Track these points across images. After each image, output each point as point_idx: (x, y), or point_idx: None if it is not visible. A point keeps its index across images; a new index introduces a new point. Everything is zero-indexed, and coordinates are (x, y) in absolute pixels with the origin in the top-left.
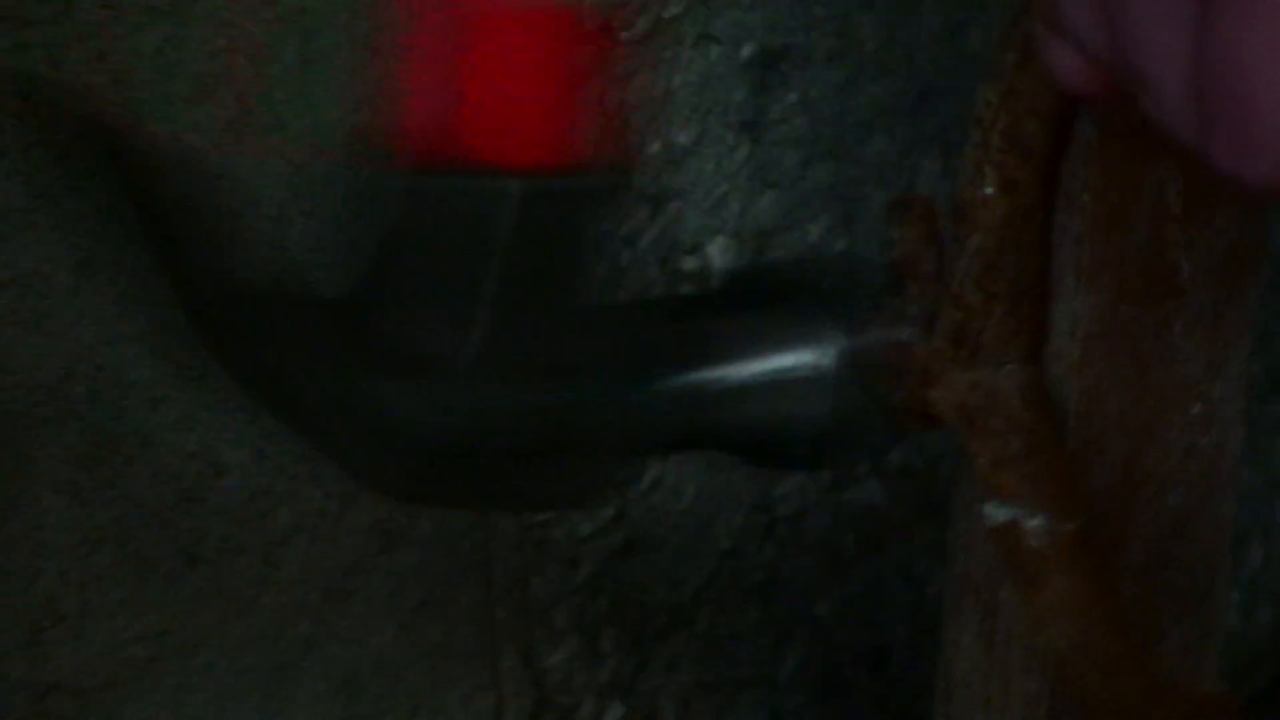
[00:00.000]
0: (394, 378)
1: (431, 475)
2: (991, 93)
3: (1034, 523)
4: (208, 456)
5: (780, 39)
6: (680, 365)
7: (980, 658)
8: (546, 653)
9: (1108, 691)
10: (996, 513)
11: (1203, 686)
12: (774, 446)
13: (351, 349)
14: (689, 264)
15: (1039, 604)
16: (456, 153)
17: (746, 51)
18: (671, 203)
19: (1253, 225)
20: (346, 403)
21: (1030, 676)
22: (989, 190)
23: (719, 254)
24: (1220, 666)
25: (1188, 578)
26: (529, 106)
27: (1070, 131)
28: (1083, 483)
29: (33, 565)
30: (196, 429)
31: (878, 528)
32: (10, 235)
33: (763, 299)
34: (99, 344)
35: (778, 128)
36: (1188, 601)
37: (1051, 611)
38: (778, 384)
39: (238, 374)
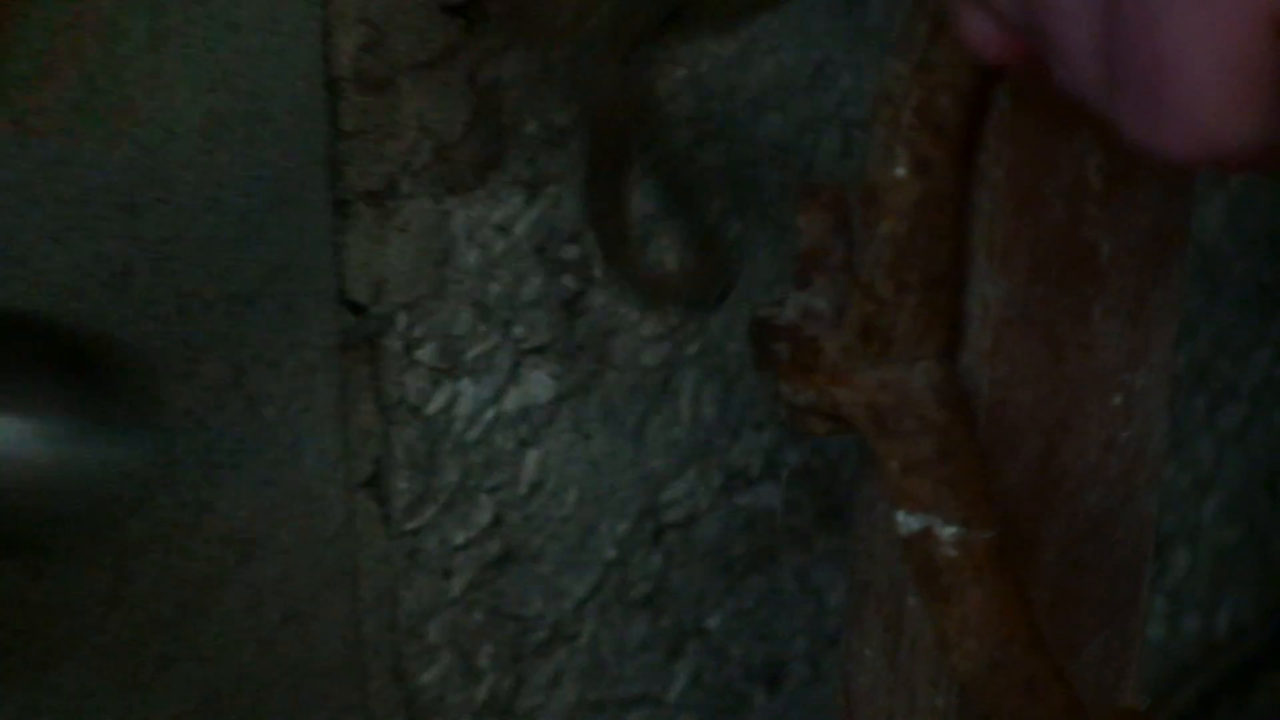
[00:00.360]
0: None
1: None
2: (902, 66)
3: (948, 531)
4: None
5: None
6: None
7: (883, 671)
8: (419, 670)
9: (1023, 711)
10: (908, 521)
11: (1122, 703)
12: None
13: None
14: (569, 253)
15: (953, 618)
16: None
17: None
18: (549, 187)
19: (1176, 203)
20: None
21: (937, 691)
22: (900, 172)
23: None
24: (1142, 681)
25: (1106, 584)
26: None
27: (986, 108)
28: (995, 482)
29: None
30: None
31: (773, 534)
32: None
33: None
34: None
35: (665, 105)
36: (1106, 610)
37: (966, 626)
38: None
39: None
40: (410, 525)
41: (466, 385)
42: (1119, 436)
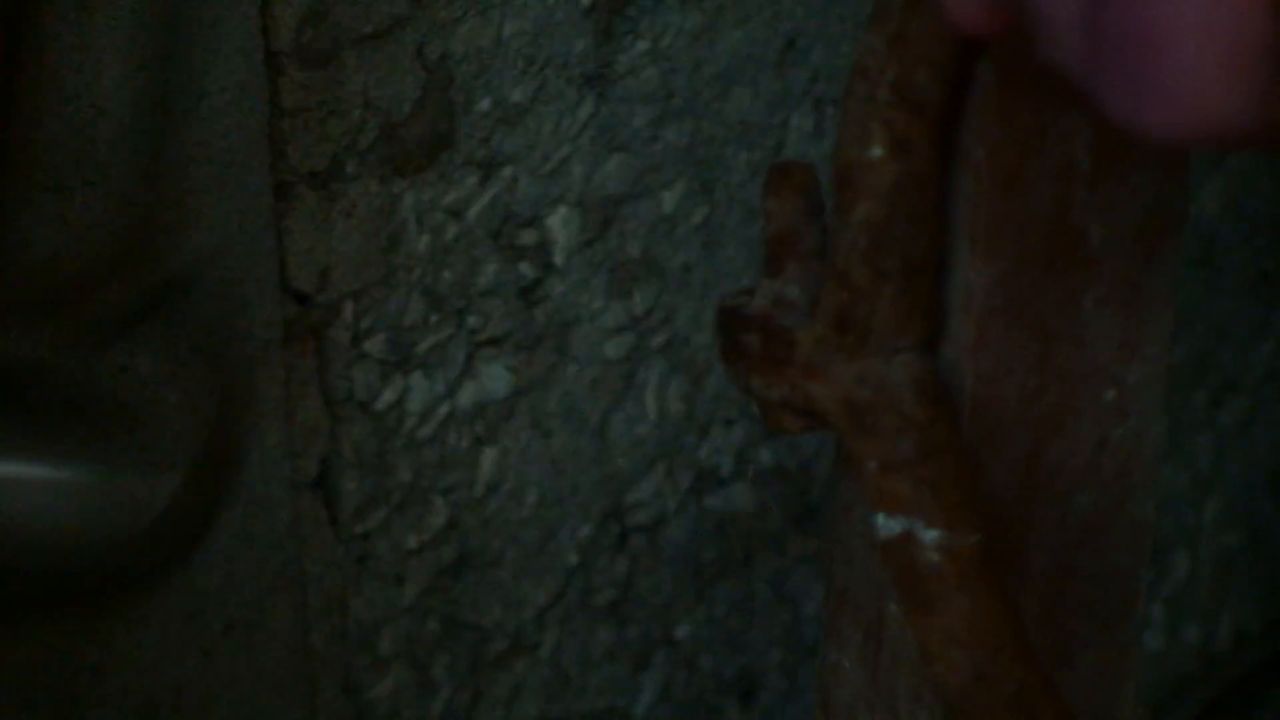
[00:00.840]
0: None
1: None
2: (877, 38)
3: (931, 536)
4: None
5: None
6: None
7: (863, 684)
8: (370, 683)
9: None
10: (888, 524)
11: (1118, 718)
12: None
13: None
14: (526, 238)
15: (935, 628)
16: None
17: None
18: (505, 168)
19: (1172, 185)
20: None
21: (920, 705)
22: (877, 152)
23: (560, 226)
24: (1141, 694)
25: (1100, 591)
26: None
27: (968, 83)
28: (980, 484)
29: None
30: None
31: (745, 537)
32: None
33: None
34: None
35: (625, 81)
36: (1100, 619)
37: (950, 637)
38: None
39: None
40: (360, 528)
41: (418, 379)
42: (1112, 434)
